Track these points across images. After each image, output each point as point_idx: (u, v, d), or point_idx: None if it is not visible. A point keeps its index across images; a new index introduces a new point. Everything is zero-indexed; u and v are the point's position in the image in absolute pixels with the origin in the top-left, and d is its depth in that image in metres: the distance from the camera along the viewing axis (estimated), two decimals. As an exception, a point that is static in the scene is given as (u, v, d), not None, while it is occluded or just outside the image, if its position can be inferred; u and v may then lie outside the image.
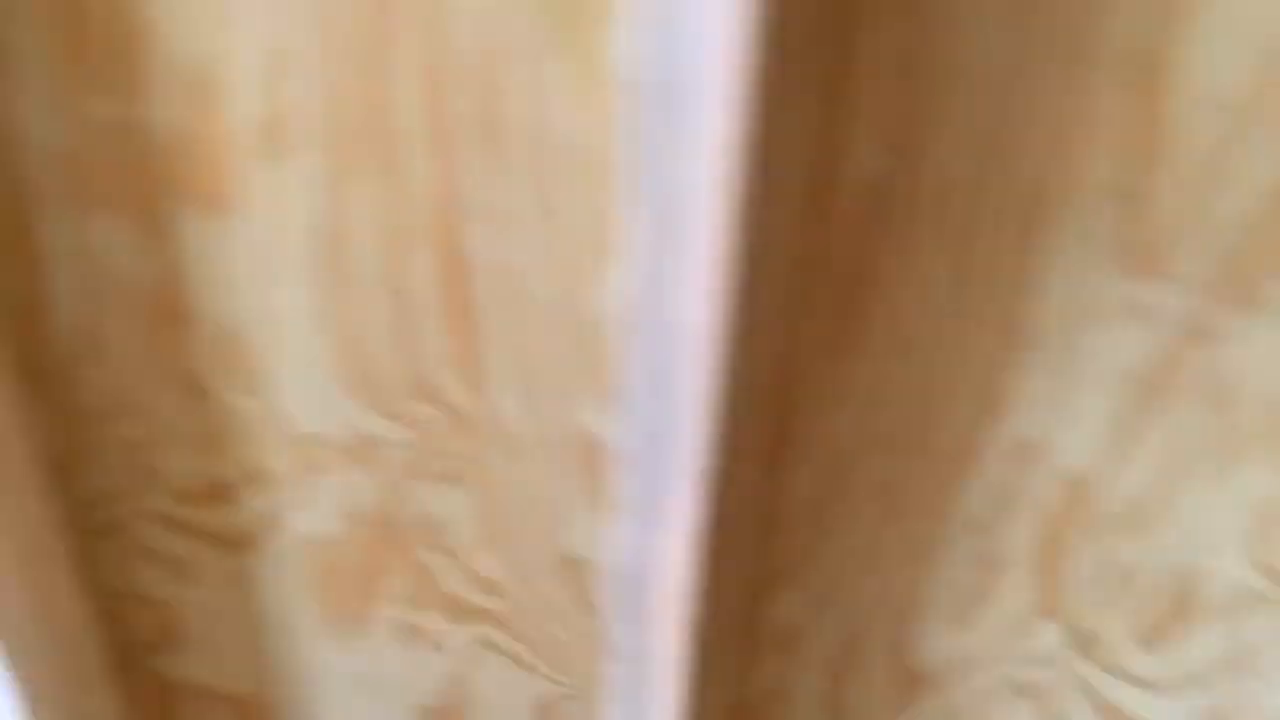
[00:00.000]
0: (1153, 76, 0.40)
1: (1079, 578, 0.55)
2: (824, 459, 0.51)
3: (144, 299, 0.54)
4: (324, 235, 0.51)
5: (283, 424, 0.57)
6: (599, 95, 0.44)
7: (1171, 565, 0.53)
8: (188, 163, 0.49)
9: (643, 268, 0.40)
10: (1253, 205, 0.42)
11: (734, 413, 0.43)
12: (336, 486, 0.59)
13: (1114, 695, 0.59)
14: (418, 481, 0.58)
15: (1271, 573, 0.52)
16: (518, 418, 0.54)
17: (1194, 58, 0.39)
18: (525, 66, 0.44)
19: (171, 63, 0.46)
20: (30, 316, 0.55)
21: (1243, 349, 0.46)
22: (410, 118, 0.46)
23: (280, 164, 0.48)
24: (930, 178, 0.44)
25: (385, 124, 0.47)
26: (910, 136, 0.42)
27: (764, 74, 0.35)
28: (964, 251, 0.45)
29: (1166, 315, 0.46)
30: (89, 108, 0.48)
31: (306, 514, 0.61)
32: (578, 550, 0.58)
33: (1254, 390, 0.47)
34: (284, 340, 0.54)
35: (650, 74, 0.36)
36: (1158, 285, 0.45)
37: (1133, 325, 0.46)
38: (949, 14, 0.40)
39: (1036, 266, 0.45)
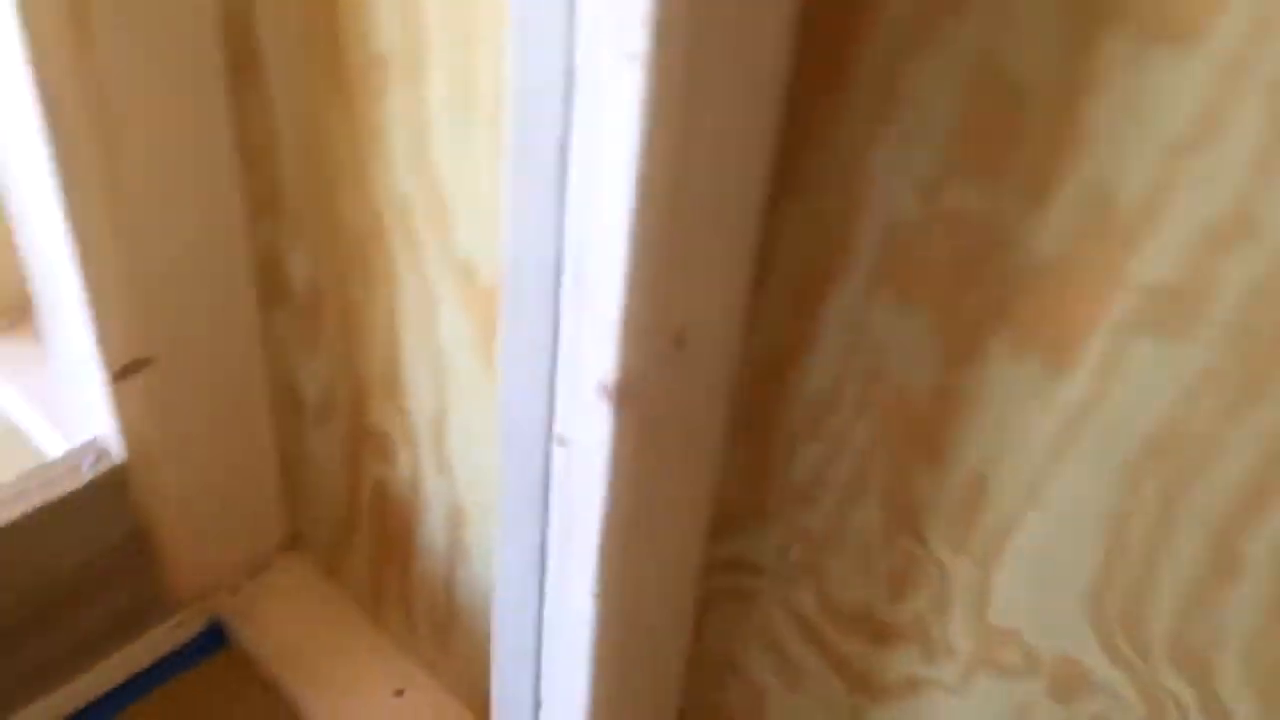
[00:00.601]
0: None
1: None
2: None
3: (902, 406, 0.46)
4: (1156, 437, 0.39)
5: (988, 604, 0.47)
6: None
7: None
8: (1034, 289, 0.40)
9: None
10: None
11: None
12: (1008, 697, 0.48)
13: None
14: (1112, 747, 0.45)
15: None
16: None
17: None
18: None
19: (1084, 177, 0.37)
20: (782, 371, 0.50)
21: None
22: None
23: (1157, 338, 0.37)
24: None
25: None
26: None
27: None
28: None
29: None
30: (950, 192, 0.40)
31: (959, 704, 0.50)
32: None
33: None
34: (1048, 523, 0.44)
35: None
36: None
37: None
38: None
39: None
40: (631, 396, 0.46)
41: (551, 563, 0.54)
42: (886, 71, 0.40)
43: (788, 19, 0.41)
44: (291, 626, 0.88)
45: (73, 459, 0.77)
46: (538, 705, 0.60)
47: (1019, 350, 0.41)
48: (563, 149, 0.42)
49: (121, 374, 0.74)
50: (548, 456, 0.51)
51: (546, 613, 0.56)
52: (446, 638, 0.81)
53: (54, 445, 0.96)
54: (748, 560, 0.56)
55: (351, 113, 0.62)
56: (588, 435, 0.48)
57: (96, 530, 0.78)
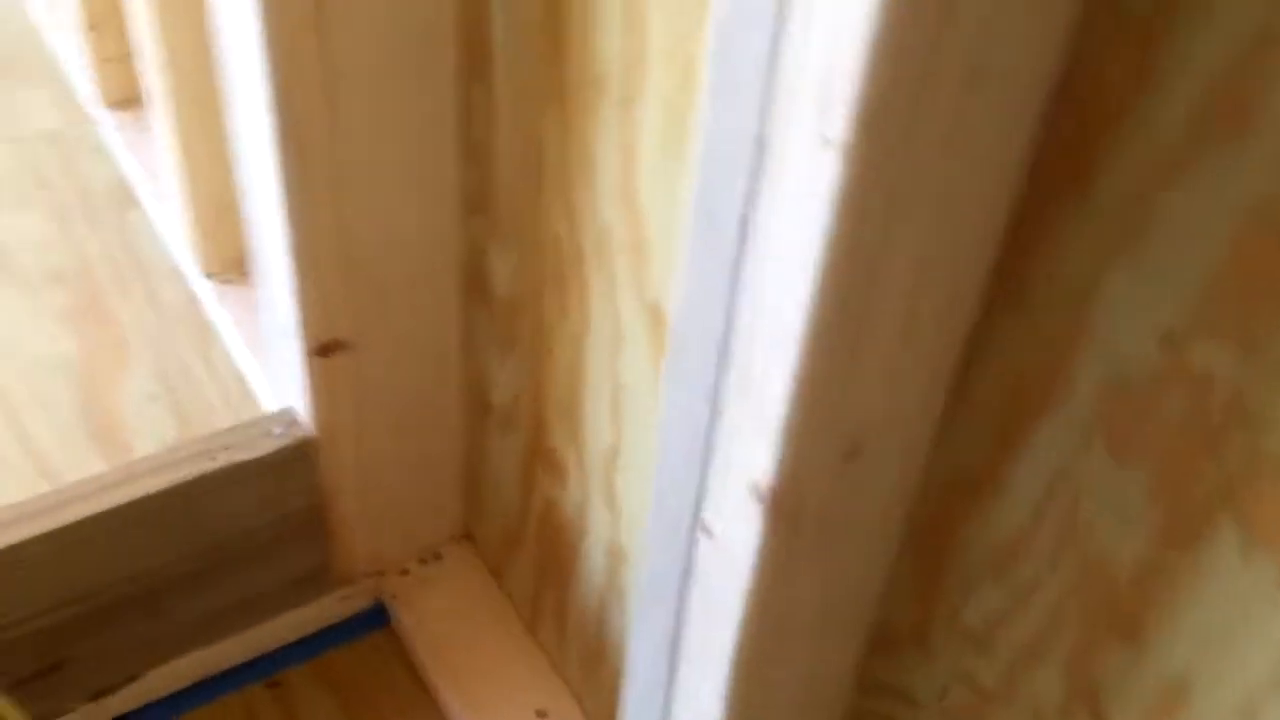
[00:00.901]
0: None
1: None
2: None
3: (1103, 572, 0.39)
4: None
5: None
6: None
7: None
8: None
9: None
10: None
11: None
12: None
13: None
14: None
15: None
16: None
17: None
18: None
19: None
20: (969, 502, 0.44)
21: None
22: None
23: None
24: None
25: None
26: None
27: None
28: None
29: None
30: (1196, 348, 0.33)
31: None
32: None
33: None
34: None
35: None
36: None
37: None
38: None
39: None
40: (786, 503, 0.41)
41: (684, 653, 0.50)
42: (1141, 194, 0.33)
43: (1028, 114, 0.34)
44: (451, 621, 0.87)
45: (265, 425, 0.78)
46: (654, 788, 0.56)
47: (1252, 547, 0.34)
48: (744, 224, 0.37)
49: (320, 351, 0.74)
50: (692, 543, 0.46)
51: (675, 704, 0.52)
52: (594, 669, 0.78)
53: (266, 399, 0.99)
54: (904, 691, 0.50)
55: (566, 128, 0.59)
56: (734, 533, 0.43)
57: (278, 496, 0.79)
